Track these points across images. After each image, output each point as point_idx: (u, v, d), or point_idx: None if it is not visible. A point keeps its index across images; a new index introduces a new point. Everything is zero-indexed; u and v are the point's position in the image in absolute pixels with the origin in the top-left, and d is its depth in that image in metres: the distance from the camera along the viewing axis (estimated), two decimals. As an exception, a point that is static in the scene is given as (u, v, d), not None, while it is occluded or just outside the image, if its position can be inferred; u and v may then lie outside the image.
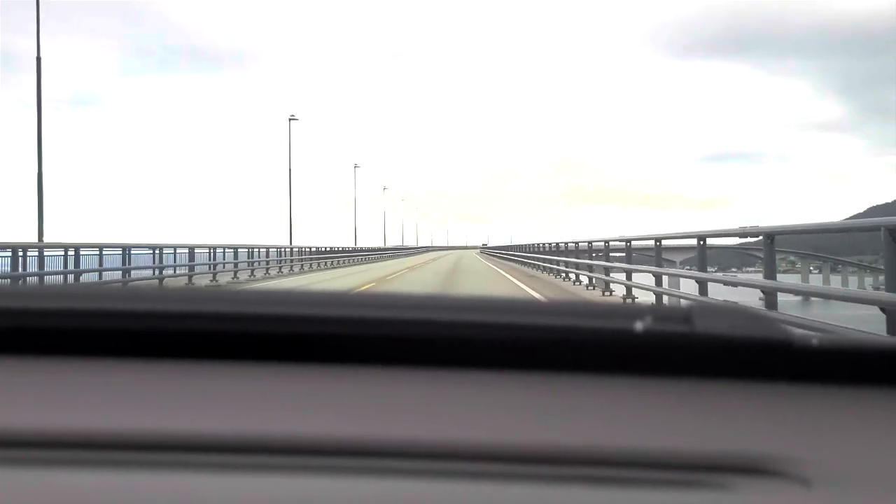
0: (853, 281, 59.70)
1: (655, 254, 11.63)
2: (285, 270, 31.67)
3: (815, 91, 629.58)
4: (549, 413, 0.74)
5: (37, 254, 15.88)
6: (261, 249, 30.36)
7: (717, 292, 10.09)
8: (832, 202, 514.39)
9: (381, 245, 71.46)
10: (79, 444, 0.66)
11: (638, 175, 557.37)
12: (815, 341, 0.80)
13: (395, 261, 50.08)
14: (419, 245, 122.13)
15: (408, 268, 35.12)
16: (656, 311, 0.81)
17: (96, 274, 17.49)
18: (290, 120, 42.45)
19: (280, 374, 0.80)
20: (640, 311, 0.81)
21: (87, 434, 0.67)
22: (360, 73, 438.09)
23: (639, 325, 0.79)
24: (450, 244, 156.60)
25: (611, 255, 14.84)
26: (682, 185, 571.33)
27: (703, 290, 9.52)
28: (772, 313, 7.18)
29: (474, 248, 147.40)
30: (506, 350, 0.82)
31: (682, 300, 10.04)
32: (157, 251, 21.37)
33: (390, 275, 26.58)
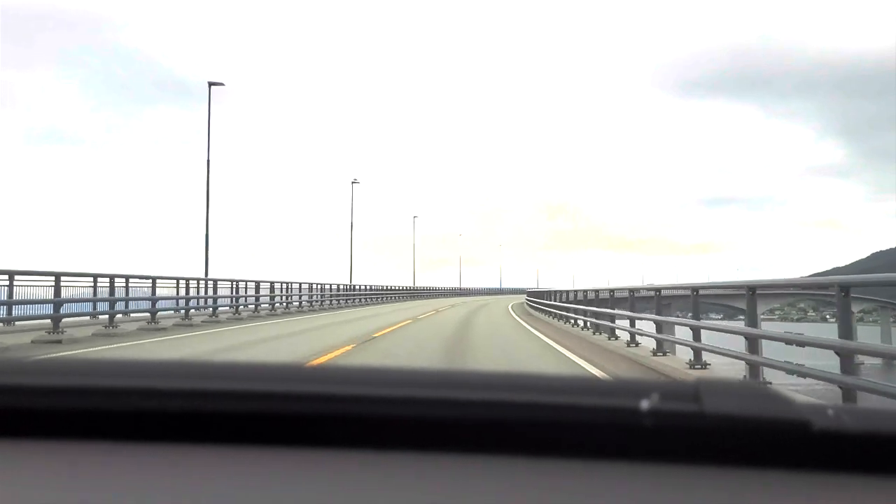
0: None
1: (748, 308, 10.49)
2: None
3: (815, 133, 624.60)
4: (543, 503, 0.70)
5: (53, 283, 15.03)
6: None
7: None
8: (832, 248, 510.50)
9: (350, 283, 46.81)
10: None
11: (629, 219, 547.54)
12: (835, 424, 0.74)
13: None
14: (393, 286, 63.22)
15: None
16: (663, 387, 0.78)
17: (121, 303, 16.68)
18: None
19: (270, 457, 0.77)
20: (645, 388, 0.77)
21: None
22: (344, 102, 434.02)
23: (644, 404, 0.75)
24: (432, 285, 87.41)
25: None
26: (674, 231, 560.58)
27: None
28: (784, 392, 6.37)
29: (476, 291, 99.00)
30: (494, 431, 0.77)
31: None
32: (188, 283, 20.53)
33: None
